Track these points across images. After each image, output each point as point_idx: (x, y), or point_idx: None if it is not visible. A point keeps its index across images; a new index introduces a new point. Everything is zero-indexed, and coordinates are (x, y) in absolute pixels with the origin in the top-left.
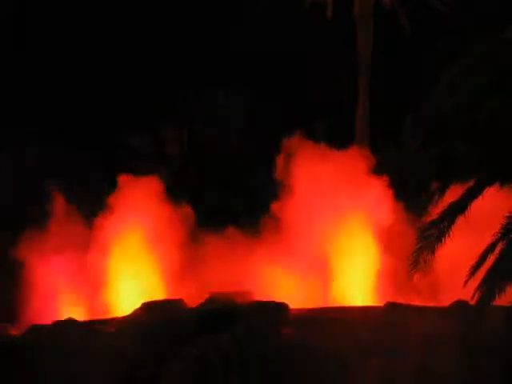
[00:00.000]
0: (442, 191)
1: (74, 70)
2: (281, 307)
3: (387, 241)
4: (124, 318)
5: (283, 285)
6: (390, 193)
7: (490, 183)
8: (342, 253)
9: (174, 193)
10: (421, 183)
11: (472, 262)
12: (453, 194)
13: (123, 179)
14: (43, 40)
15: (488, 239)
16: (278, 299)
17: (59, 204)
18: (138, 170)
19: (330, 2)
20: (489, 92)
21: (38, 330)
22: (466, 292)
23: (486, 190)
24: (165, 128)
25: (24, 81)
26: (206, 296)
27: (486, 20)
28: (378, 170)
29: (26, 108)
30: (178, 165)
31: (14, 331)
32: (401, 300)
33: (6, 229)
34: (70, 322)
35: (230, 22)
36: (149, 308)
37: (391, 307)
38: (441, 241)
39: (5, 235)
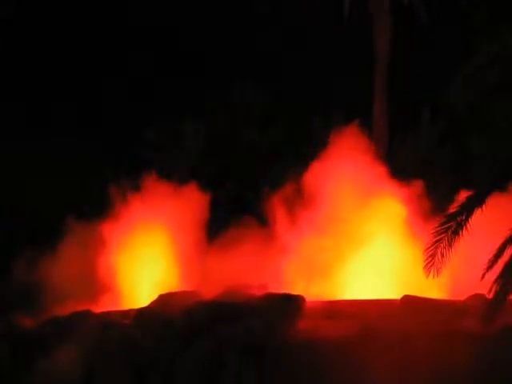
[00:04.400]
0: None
1: (90, 63)
2: (296, 300)
3: (405, 233)
4: (140, 309)
5: (298, 277)
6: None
7: (505, 178)
8: (358, 245)
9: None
10: (437, 178)
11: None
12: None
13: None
14: (56, 31)
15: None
16: (294, 292)
17: None
18: (155, 163)
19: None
20: (501, 91)
21: (54, 321)
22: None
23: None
24: (184, 122)
25: (39, 72)
26: (222, 288)
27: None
28: (396, 164)
29: (39, 102)
30: (196, 158)
31: (31, 322)
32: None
33: None
34: (87, 313)
35: (247, 20)
36: (165, 300)
37: (408, 301)
38: (458, 234)
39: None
